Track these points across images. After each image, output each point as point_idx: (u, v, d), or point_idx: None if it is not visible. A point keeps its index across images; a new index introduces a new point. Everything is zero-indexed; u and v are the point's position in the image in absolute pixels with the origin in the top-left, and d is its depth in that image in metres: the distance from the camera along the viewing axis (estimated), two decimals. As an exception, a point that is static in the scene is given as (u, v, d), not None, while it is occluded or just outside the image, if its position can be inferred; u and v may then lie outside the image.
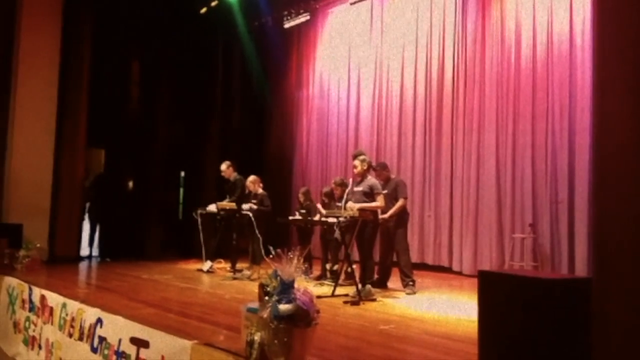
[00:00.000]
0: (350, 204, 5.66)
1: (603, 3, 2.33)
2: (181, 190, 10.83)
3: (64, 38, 8.61)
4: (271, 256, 6.45)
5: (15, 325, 5.26)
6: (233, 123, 11.11)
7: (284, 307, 2.33)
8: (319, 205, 7.25)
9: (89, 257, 9.15)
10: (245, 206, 7.16)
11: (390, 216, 6.02)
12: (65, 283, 5.93)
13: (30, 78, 8.21)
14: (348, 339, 3.74)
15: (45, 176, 8.31)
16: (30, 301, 4.99)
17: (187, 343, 2.95)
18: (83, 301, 4.24)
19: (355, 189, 5.83)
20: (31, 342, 4.86)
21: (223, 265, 7.70)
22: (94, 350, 3.76)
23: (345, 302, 5.06)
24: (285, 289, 2.39)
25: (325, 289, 5.91)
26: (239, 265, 7.29)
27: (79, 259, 8.72)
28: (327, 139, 10.49)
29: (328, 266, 6.90)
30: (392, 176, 6.57)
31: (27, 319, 5.00)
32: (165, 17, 9.78)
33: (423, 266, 8.10)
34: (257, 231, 6.95)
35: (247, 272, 6.98)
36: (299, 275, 2.47)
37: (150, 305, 4.67)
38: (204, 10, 10.28)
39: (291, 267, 2.45)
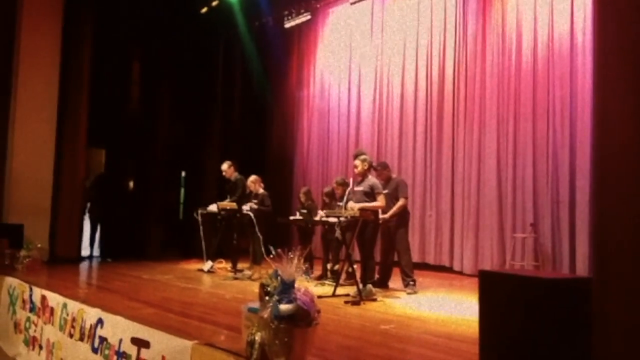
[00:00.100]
0: (351, 203, 5.66)
1: (604, 2, 2.34)
2: (182, 190, 10.84)
3: (64, 38, 8.60)
4: (272, 256, 6.56)
5: (16, 325, 5.26)
6: (234, 123, 11.11)
7: (284, 307, 2.33)
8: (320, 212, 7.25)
9: (90, 257, 9.14)
10: (245, 206, 7.16)
11: (391, 216, 6.01)
12: (65, 283, 5.94)
13: (31, 78, 8.21)
14: (349, 338, 3.73)
15: (46, 176, 8.30)
16: (31, 301, 4.99)
17: (188, 343, 2.95)
18: (84, 301, 4.24)
19: (356, 188, 5.83)
20: (32, 342, 4.86)
21: (224, 265, 7.70)
22: (94, 350, 3.76)
23: (346, 302, 5.06)
24: (286, 288, 2.39)
25: (326, 288, 5.91)
26: (239, 265, 7.30)
27: (79, 259, 8.71)
28: (328, 138, 10.48)
29: (329, 266, 6.90)
30: (393, 176, 6.55)
31: (28, 319, 5.00)
32: (166, 17, 9.78)
33: (424, 266, 8.10)
34: (257, 231, 6.96)
35: (247, 272, 6.98)
36: (299, 275, 2.47)
37: (151, 306, 4.67)
38: (204, 10, 10.28)
39: (292, 267, 2.44)
